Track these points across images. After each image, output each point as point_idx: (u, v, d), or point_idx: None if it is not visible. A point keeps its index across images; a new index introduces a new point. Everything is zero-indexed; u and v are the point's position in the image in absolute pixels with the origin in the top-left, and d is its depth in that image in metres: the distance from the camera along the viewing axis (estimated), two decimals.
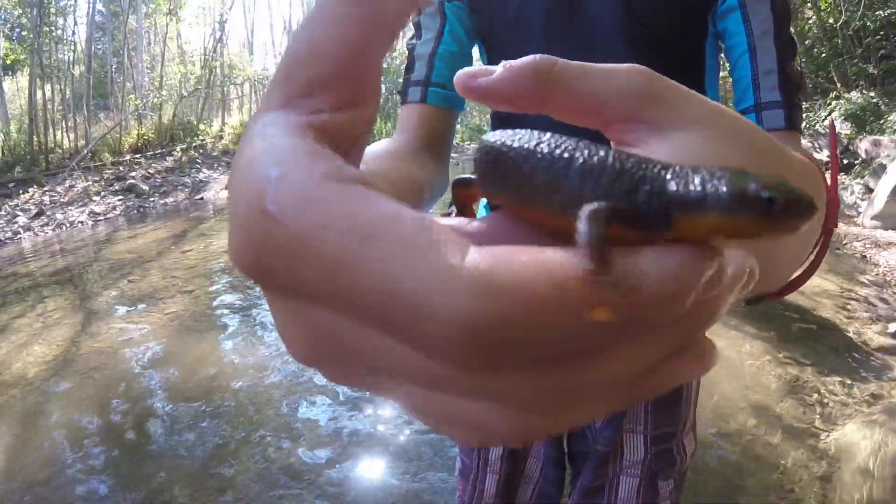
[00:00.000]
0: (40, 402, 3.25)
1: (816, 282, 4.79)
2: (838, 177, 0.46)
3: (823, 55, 12.70)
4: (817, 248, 0.31)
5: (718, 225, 0.19)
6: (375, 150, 0.60)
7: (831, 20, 12.47)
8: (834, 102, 11.15)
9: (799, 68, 0.73)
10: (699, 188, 0.19)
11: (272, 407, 3.03)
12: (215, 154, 15.16)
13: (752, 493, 2.32)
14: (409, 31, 0.89)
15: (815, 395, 3.01)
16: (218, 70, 18.94)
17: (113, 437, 2.84)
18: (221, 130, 17.26)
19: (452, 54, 0.86)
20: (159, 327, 4.22)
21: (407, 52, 0.88)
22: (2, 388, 3.48)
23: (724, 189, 0.19)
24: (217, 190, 11.60)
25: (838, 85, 11.80)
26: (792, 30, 0.73)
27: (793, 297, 4.35)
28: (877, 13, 10.34)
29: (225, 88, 20.09)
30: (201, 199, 10.95)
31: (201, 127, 16.68)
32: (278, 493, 2.37)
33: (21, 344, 4.18)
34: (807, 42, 13.27)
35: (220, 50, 19.62)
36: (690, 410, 1.01)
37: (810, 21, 13.39)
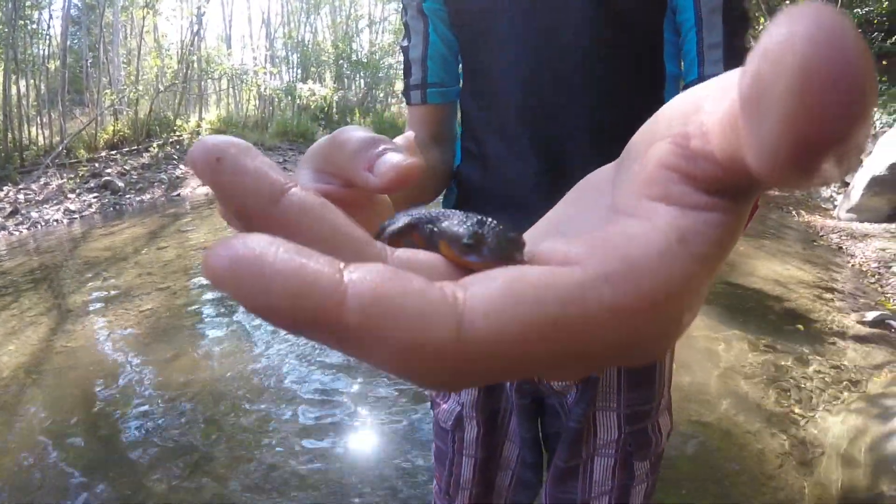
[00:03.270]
0: (15, 400, 3.21)
1: (794, 272, 4.86)
2: None
3: None
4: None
5: (447, 252, 0.24)
6: None
7: None
8: None
9: (751, 44, 0.72)
10: (445, 228, 0.25)
11: (251, 401, 3.01)
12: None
13: (732, 480, 2.34)
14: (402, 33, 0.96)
15: (794, 383, 3.05)
16: (195, 64, 18.75)
17: (88, 434, 2.82)
18: (198, 126, 17.15)
19: (442, 54, 0.92)
20: (135, 324, 4.19)
21: (402, 54, 0.94)
22: None
23: (452, 231, 0.25)
24: (194, 186, 11.49)
25: None
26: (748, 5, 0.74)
27: (771, 287, 4.41)
28: (854, 10, 10.46)
29: (202, 83, 19.89)
30: (178, 195, 10.87)
31: (178, 122, 16.53)
32: (258, 487, 2.36)
33: None
34: None
35: (198, 44, 19.43)
36: (664, 389, 1.00)
37: None
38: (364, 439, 2.70)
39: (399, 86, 31.32)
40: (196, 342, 3.80)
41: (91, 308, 4.57)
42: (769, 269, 5.02)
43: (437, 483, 1.20)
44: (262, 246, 0.17)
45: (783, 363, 3.26)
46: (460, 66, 0.95)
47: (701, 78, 0.71)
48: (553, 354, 0.18)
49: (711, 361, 3.28)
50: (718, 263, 0.20)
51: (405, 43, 0.93)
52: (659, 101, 0.74)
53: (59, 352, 3.78)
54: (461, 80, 0.95)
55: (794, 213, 7.58)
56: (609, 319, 0.18)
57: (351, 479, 2.41)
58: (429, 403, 1.17)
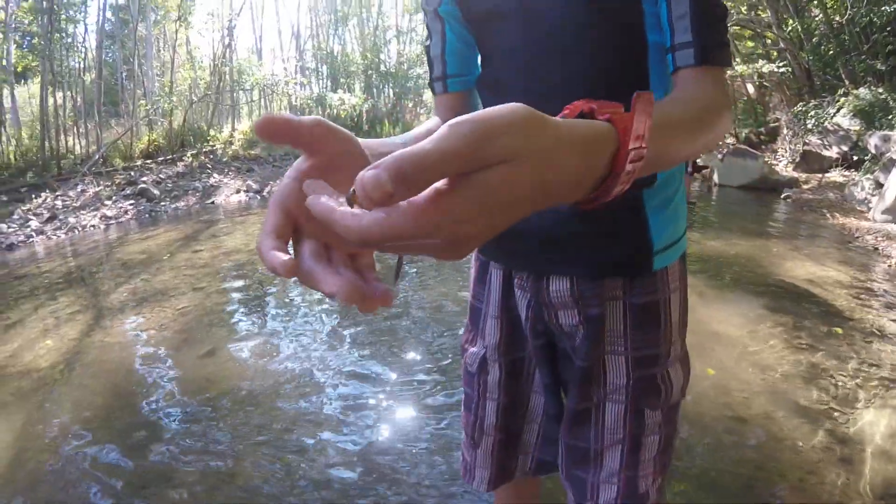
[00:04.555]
0: (50, 392, 3.27)
1: (830, 273, 4.78)
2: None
3: (831, 52, 12.62)
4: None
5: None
6: (421, 129, 0.80)
7: (837, 17, 12.42)
8: (842, 99, 11.09)
9: (718, 10, 0.79)
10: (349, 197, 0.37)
11: (282, 399, 3.03)
12: (225, 159, 15.23)
13: (771, 476, 2.30)
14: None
15: (832, 381, 2.99)
16: (227, 76, 19.05)
17: (121, 425, 2.85)
18: (231, 136, 17.35)
19: (459, 49, 1.03)
20: (170, 321, 4.25)
21: (425, 52, 1.07)
22: (12, 379, 3.50)
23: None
24: (227, 194, 11.64)
25: (846, 81, 11.73)
26: None
27: (807, 288, 4.35)
28: (882, 8, 10.27)
29: (234, 94, 20.21)
30: (212, 203, 11.00)
31: (211, 132, 16.78)
32: (287, 485, 2.36)
33: (33, 338, 4.20)
34: (814, 39, 13.22)
35: (230, 56, 19.75)
36: (672, 336, 0.99)
37: (817, 18, 13.35)
38: (394, 435, 2.69)
39: (427, 95, 31.56)
40: (229, 339, 3.83)
41: (127, 306, 4.62)
42: (805, 270, 4.95)
43: (464, 431, 1.23)
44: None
45: (821, 362, 3.20)
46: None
47: (672, 47, 0.78)
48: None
49: (749, 360, 3.24)
50: None
51: (427, 42, 1.06)
52: (644, 71, 0.85)
53: (95, 346, 3.81)
54: (480, 68, 1.05)
55: (828, 215, 7.46)
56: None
57: (379, 472, 2.41)
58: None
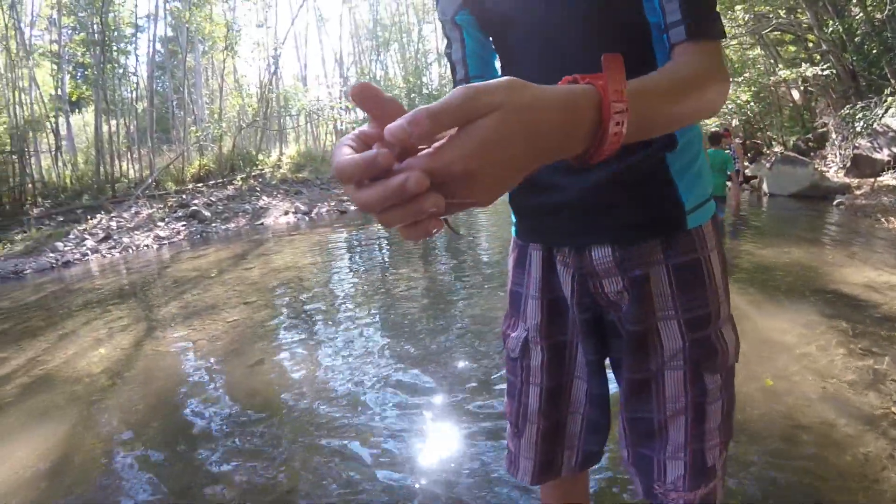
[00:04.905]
0: (101, 396, 3.31)
1: (887, 278, 4.61)
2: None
3: (874, 51, 12.20)
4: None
5: None
6: None
7: (878, 14, 12.07)
8: (890, 99, 10.71)
9: None
10: None
11: (327, 407, 3.02)
12: (274, 183, 15.48)
13: (833, 482, 2.20)
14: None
15: (894, 386, 2.86)
16: (274, 102, 19.49)
17: (168, 430, 2.85)
18: (279, 160, 17.66)
19: (478, 53, 1.07)
20: (221, 333, 4.28)
21: (447, 58, 1.10)
22: (66, 384, 3.52)
23: None
24: (276, 216, 11.84)
25: (892, 80, 11.31)
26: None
27: (864, 293, 4.19)
28: None
29: (281, 119, 20.66)
30: (261, 224, 11.18)
31: (260, 157, 17.13)
32: (331, 489, 2.34)
33: (86, 347, 4.20)
34: (856, 39, 12.86)
35: (276, 83, 20.22)
36: (718, 295, 0.98)
37: (857, 17, 12.94)
38: (433, 445, 2.61)
39: None
40: (278, 350, 3.83)
41: (177, 319, 4.67)
42: (862, 276, 4.77)
43: (508, 420, 1.20)
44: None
45: (881, 367, 3.06)
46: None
47: (666, 27, 0.82)
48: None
49: (807, 366, 3.11)
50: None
51: (448, 50, 1.09)
52: (650, 52, 0.88)
53: (146, 355, 3.85)
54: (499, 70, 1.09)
55: (883, 220, 7.21)
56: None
57: (424, 477, 2.36)
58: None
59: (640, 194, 0.94)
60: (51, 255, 8.49)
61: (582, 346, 1.08)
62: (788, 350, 3.31)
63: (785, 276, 4.90)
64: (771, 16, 14.19)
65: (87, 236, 9.48)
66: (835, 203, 8.87)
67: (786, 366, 3.11)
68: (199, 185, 13.95)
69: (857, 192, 9.33)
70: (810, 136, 13.68)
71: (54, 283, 7.01)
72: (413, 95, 25.55)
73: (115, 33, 14.37)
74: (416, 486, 2.29)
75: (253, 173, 15.58)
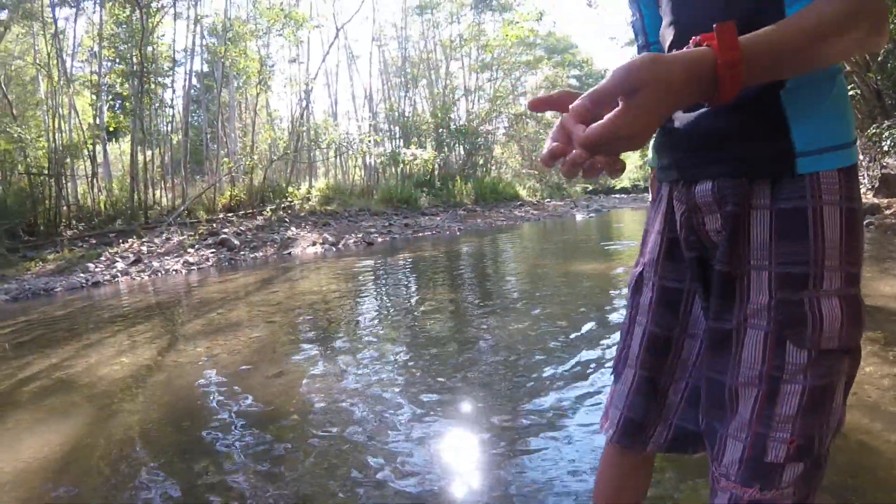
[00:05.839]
0: (119, 400, 3.26)
1: None
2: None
3: None
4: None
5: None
6: None
7: None
8: None
9: None
10: None
11: (345, 421, 2.90)
12: (303, 214, 15.64)
13: (871, 490, 2.05)
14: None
15: None
16: (304, 136, 19.82)
17: (183, 435, 2.78)
18: (308, 192, 17.87)
19: (654, 22, 1.12)
20: (243, 347, 4.22)
21: (632, 28, 1.18)
22: (84, 388, 3.49)
23: None
24: (304, 246, 11.89)
25: None
26: None
27: None
28: None
29: (311, 153, 20.98)
30: (289, 253, 11.23)
31: (290, 189, 17.35)
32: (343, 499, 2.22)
33: (109, 356, 4.17)
34: (879, 58, 12.47)
35: (307, 117, 20.60)
36: (825, 257, 0.86)
37: None
38: (457, 469, 2.44)
39: (497, 151, 32.03)
40: (298, 365, 3.75)
41: (201, 334, 4.63)
42: (894, 288, 4.68)
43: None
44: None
45: None
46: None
47: None
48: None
49: None
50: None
51: (632, 20, 1.18)
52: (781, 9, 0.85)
53: (167, 365, 3.79)
54: None
55: None
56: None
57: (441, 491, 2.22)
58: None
59: (748, 130, 0.88)
60: (81, 275, 8.59)
61: (693, 289, 1.02)
62: None
63: None
64: None
65: (117, 259, 9.60)
66: (865, 223, 8.67)
67: None
68: (230, 214, 14.14)
69: (888, 212, 9.15)
70: None
71: (83, 301, 7.06)
72: (441, 130, 25.84)
73: (154, 66, 14.80)
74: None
75: (283, 205, 15.76)
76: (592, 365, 3.33)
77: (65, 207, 12.26)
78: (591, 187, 38.07)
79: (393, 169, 22.91)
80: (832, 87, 0.88)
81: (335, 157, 22.56)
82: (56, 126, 12.79)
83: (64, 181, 12.56)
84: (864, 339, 2.85)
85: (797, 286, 0.85)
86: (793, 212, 0.86)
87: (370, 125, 23.92)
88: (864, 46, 0.79)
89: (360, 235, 12.95)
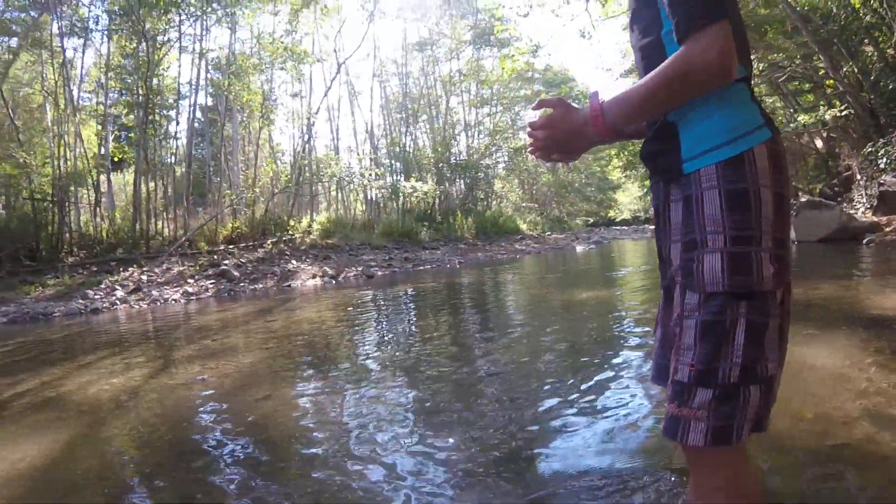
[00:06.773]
0: (107, 416, 3.26)
1: None
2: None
3: (891, 86, 12.23)
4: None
5: None
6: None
7: (891, 49, 12.12)
8: None
9: None
10: None
11: (331, 443, 2.86)
12: (304, 247, 15.68)
13: (872, 494, 2.04)
14: None
15: None
16: (306, 170, 19.98)
17: (168, 451, 2.76)
18: (309, 226, 17.95)
19: None
20: (233, 371, 4.21)
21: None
22: (74, 403, 3.51)
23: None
24: (304, 279, 11.91)
25: None
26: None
27: None
28: None
29: (313, 187, 21.11)
30: (289, 286, 11.23)
31: (291, 222, 17.44)
32: None
33: (101, 375, 4.18)
34: (872, 77, 12.95)
35: (309, 151, 20.79)
36: (704, 227, 1.13)
37: (871, 55, 13.13)
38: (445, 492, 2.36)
39: (497, 185, 32.30)
40: (289, 389, 3.75)
41: (194, 358, 4.59)
42: None
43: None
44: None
45: None
46: None
47: (675, 32, 1.08)
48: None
49: (846, 387, 2.96)
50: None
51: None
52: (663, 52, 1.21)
53: (157, 386, 3.73)
54: None
55: None
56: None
57: None
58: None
59: (660, 148, 1.23)
60: (81, 301, 8.62)
61: None
62: (827, 373, 3.19)
63: (818, 308, 4.79)
64: (786, 62, 14.47)
65: (117, 287, 9.62)
66: (864, 242, 8.70)
67: (824, 388, 2.98)
68: (231, 246, 14.19)
69: (887, 229, 9.18)
70: (835, 181, 13.61)
71: (80, 326, 7.08)
72: (441, 165, 26.05)
73: (159, 98, 15.02)
74: None
75: (284, 238, 15.83)
76: (591, 395, 3.29)
77: (67, 234, 12.40)
78: (591, 220, 38.15)
79: (394, 203, 23.05)
80: (718, 104, 1.14)
81: (336, 190, 22.71)
82: (61, 153, 12.99)
83: (67, 208, 12.70)
84: (868, 350, 2.87)
85: (691, 248, 1.14)
86: (687, 199, 1.16)
87: (371, 159, 24.10)
88: (703, 90, 1.06)
89: (361, 268, 12.96)
